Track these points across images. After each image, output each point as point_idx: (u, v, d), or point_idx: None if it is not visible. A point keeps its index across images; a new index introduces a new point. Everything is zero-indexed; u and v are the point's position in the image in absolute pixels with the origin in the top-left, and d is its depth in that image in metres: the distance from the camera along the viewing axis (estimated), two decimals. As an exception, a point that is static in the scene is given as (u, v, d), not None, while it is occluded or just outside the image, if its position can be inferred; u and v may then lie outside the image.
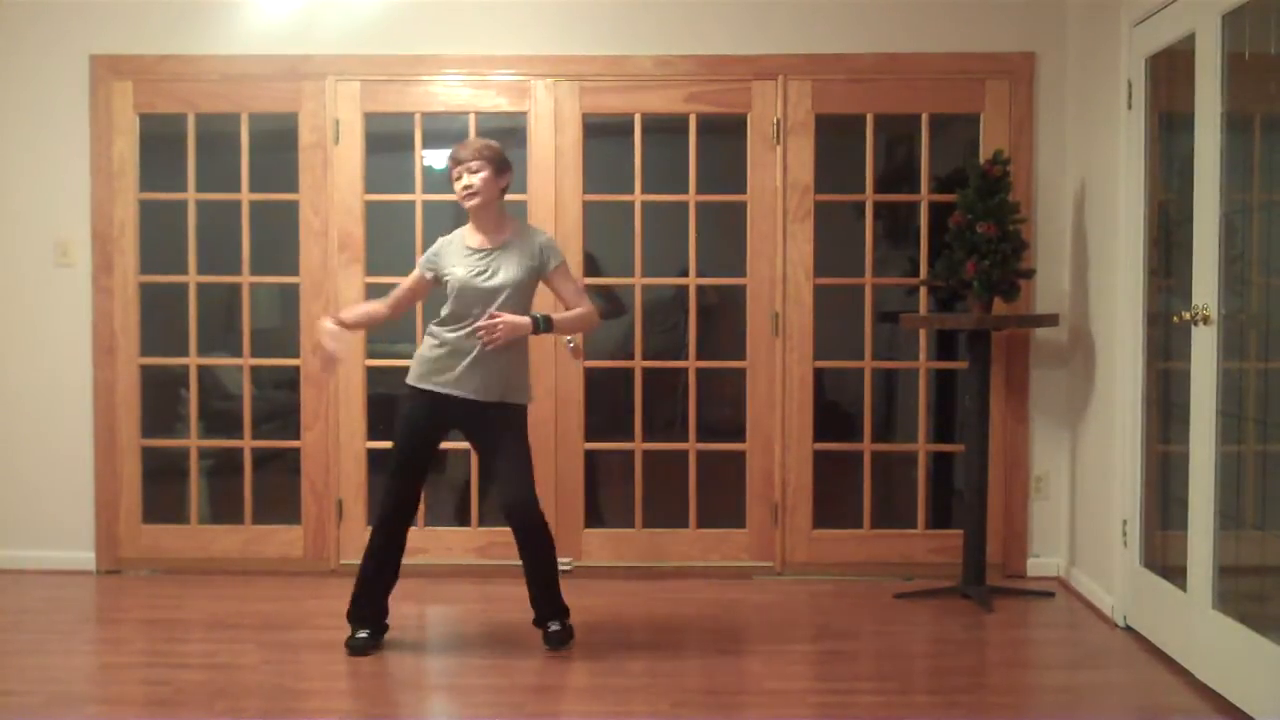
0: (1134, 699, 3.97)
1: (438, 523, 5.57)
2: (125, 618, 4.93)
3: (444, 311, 4.28)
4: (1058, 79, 5.35)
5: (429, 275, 4.34)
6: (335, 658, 4.28)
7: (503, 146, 4.34)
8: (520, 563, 4.38)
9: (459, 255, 4.29)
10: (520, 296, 4.26)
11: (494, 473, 4.32)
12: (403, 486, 4.32)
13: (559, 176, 5.43)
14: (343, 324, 4.30)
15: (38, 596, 5.11)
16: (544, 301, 4.57)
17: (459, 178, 4.24)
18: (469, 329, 4.20)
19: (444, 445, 5.61)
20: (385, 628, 4.44)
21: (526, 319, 4.20)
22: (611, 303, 5.69)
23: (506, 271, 4.23)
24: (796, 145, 5.41)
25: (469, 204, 4.27)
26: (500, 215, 4.33)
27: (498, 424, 4.26)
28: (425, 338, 4.33)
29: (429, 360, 4.26)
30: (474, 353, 4.20)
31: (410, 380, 4.31)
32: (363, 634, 4.35)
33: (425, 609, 5.00)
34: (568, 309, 4.37)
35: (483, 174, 4.23)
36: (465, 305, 4.22)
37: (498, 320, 4.16)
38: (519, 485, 4.26)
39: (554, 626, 4.37)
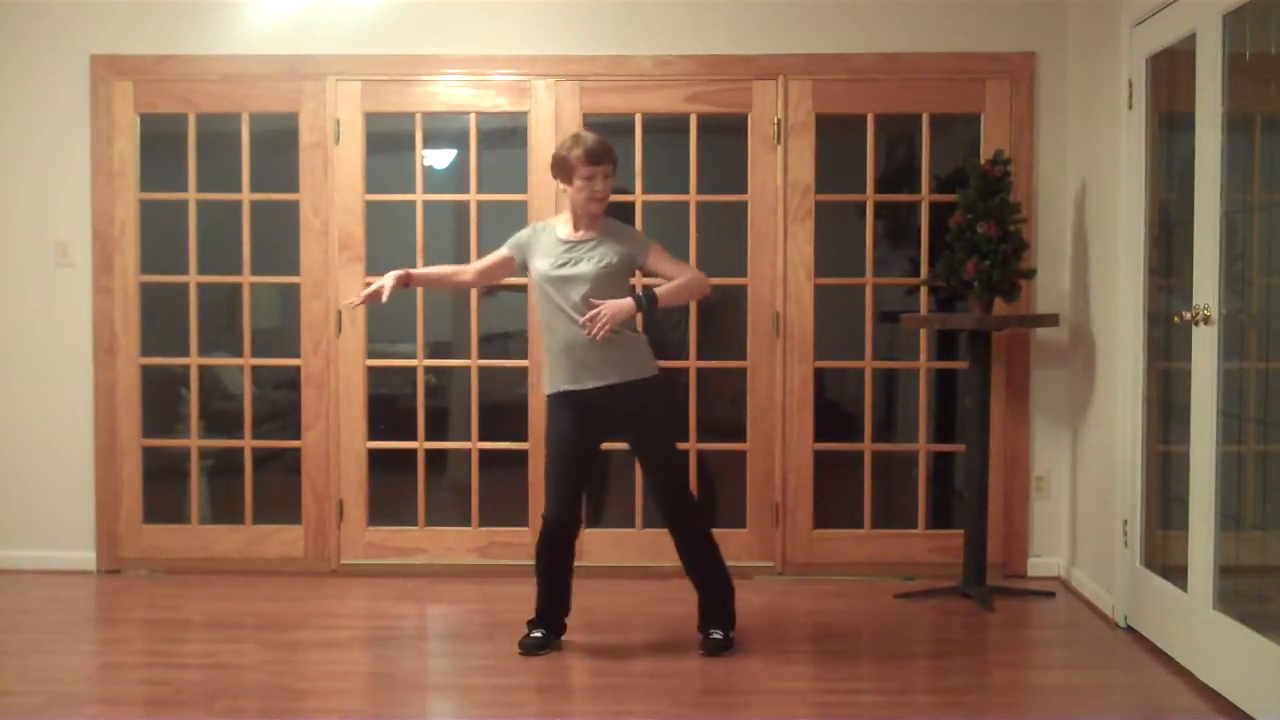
0: (1134, 699, 3.97)
1: (438, 523, 5.57)
2: (125, 618, 4.93)
3: (540, 308, 4.28)
4: (1058, 79, 5.35)
5: (516, 257, 4.36)
6: (335, 658, 4.28)
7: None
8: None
9: (548, 248, 4.27)
10: (608, 286, 4.19)
11: (642, 468, 4.31)
12: (562, 493, 4.28)
13: (559, 176, 5.42)
14: (409, 281, 4.31)
15: (38, 596, 5.11)
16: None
17: (591, 178, 4.18)
18: (573, 321, 4.15)
19: (446, 445, 5.69)
20: (563, 629, 4.43)
21: (628, 300, 4.14)
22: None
23: (590, 264, 4.19)
24: (797, 145, 5.40)
25: (596, 209, 4.23)
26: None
27: (631, 409, 4.22)
28: (546, 350, 4.31)
29: (552, 366, 4.26)
30: (575, 342, 4.16)
31: (546, 391, 4.31)
32: (536, 633, 4.36)
33: (425, 609, 4.99)
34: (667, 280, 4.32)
35: (610, 180, 4.23)
36: (560, 295, 4.19)
37: (599, 308, 4.09)
38: (669, 484, 4.24)
39: (715, 635, 4.31)
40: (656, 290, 4.24)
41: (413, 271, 4.39)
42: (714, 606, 4.35)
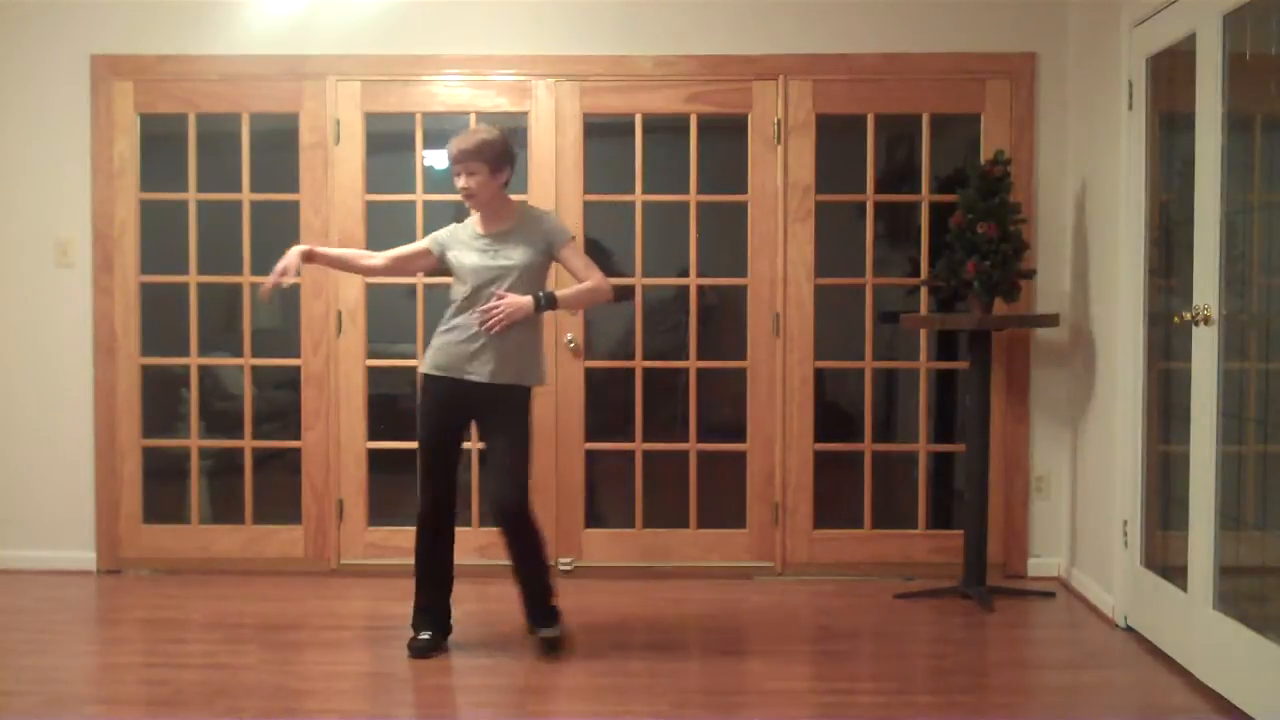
0: (1134, 699, 3.97)
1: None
2: (125, 618, 4.92)
3: (454, 298, 4.29)
4: (1058, 79, 5.35)
5: (434, 251, 4.36)
6: (335, 658, 4.28)
7: (505, 132, 4.33)
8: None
9: (468, 242, 4.31)
10: (531, 279, 4.25)
11: (489, 464, 4.30)
12: (436, 482, 4.31)
13: (560, 177, 5.43)
14: (312, 257, 4.33)
15: (38, 596, 5.11)
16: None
17: (457, 175, 4.25)
18: (478, 314, 4.21)
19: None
20: (448, 630, 4.43)
21: (528, 298, 4.18)
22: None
23: (515, 255, 4.23)
24: (797, 145, 5.40)
25: (469, 204, 4.31)
26: (503, 204, 4.33)
27: (502, 409, 4.25)
28: (439, 328, 4.33)
29: (441, 348, 4.26)
30: (484, 336, 4.20)
31: (425, 369, 4.31)
32: (425, 635, 4.35)
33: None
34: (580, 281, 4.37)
35: (478, 176, 4.22)
36: (475, 290, 4.23)
37: (499, 302, 4.16)
38: (510, 485, 4.24)
39: (549, 633, 4.35)
40: (558, 293, 4.27)
41: (317, 249, 4.40)
42: (546, 606, 4.35)
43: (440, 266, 4.39)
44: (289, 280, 4.26)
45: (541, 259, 4.29)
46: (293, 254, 4.28)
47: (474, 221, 4.37)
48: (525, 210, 4.39)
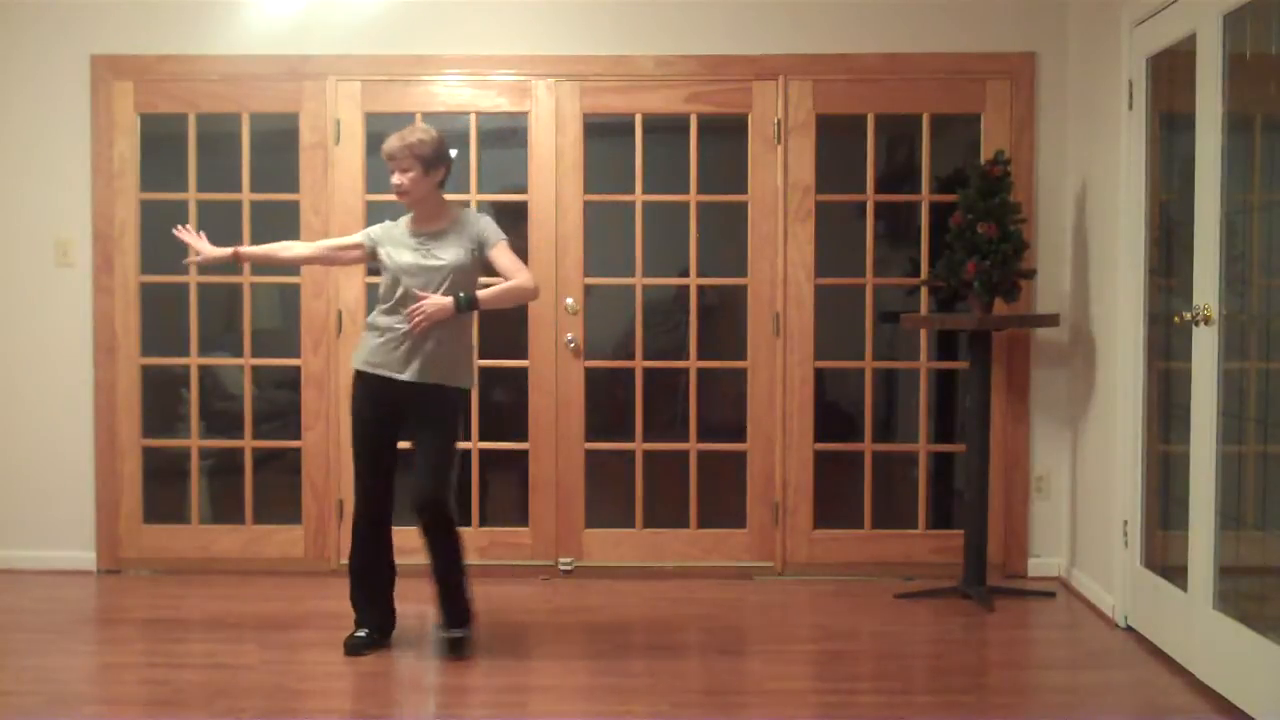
0: (1134, 699, 3.97)
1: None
2: (125, 618, 4.92)
3: (382, 296, 4.29)
4: (1059, 79, 5.35)
5: (366, 245, 4.37)
6: (335, 658, 4.28)
7: (442, 134, 4.33)
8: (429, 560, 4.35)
9: (401, 240, 4.31)
10: (461, 280, 4.23)
11: (415, 462, 4.29)
12: (371, 481, 4.32)
13: (560, 177, 5.43)
14: (238, 255, 4.42)
15: (38, 596, 5.11)
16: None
17: (391, 173, 4.25)
18: (401, 311, 4.21)
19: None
20: (389, 628, 4.44)
21: (449, 299, 4.16)
22: None
23: (445, 255, 4.22)
24: (797, 145, 5.40)
25: (402, 201, 4.31)
26: (438, 205, 4.32)
27: (430, 409, 4.24)
28: (366, 325, 4.35)
29: (372, 346, 4.27)
30: (411, 337, 4.20)
31: (356, 365, 4.32)
32: (360, 633, 4.36)
33: (425, 609, 4.98)
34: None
35: (412, 173, 4.22)
36: (405, 289, 4.22)
37: (422, 303, 4.14)
38: (433, 481, 4.23)
39: (456, 633, 4.33)
40: (479, 292, 4.24)
41: (242, 250, 4.47)
42: (459, 606, 4.35)
43: (370, 261, 4.40)
44: (200, 256, 4.42)
45: (472, 260, 4.26)
46: (215, 251, 4.40)
47: (408, 220, 4.37)
48: (460, 212, 4.37)
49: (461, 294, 4.19)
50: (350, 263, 4.55)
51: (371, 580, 4.42)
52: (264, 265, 4.71)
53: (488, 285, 4.30)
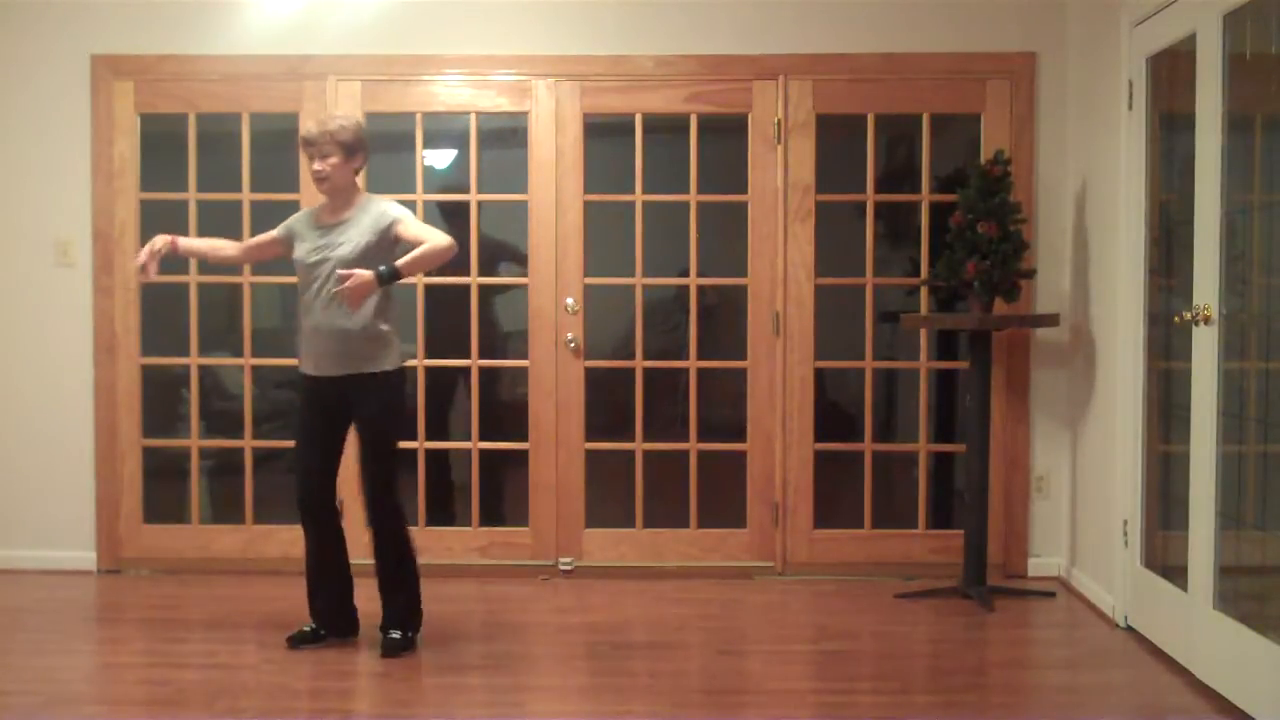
0: (1134, 699, 3.97)
1: (438, 523, 5.57)
2: (125, 618, 4.93)
3: (299, 291, 4.30)
4: (1058, 79, 5.35)
5: (283, 238, 4.37)
6: (335, 657, 4.28)
7: (361, 122, 4.32)
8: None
9: (308, 231, 4.30)
10: (371, 263, 4.16)
11: (359, 459, 4.27)
12: (304, 467, 4.29)
13: (560, 176, 5.43)
14: (175, 248, 4.37)
15: (38, 596, 5.11)
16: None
17: (312, 159, 4.23)
18: (324, 307, 4.19)
19: (444, 445, 5.68)
20: (346, 629, 4.43)
21: (369, 272, 4.08)
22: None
23: (350, 243, 4.19)
24: (798, 145, 5.40)
25: (320, 188, 4.29)
26: (352, 194, 4.30)
27: (357, 401, 4.22)
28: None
29: (301, 345, 4.29)
30: (319, 327, 4.19)
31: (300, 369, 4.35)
32: (306, 628, 4.39)
33: (425, 609, 4.98)
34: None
35: (333, 159, 4.20)
36: (311, 280, 4.22)
37: (345, 283, 4.06)
38: (368, 476, 4.22)
39: (393, 634, 4.29)
40: (398, 262, 4.17)
41: (180, 240, 4.41)
42: (398, 607, 4.32)
43: (289, 253, 4.37)
44: (151, 276, 4.32)
45: (373, 248, 4.20)
46: (158, 241, 4.32)
47: (317, 210, 4.36)
48: (365, 201, 4.33)
49: (382, 266, 4.11)
50: (274, 258, 4.50)
51: (323, 580, 4.38)
52: (201, 260, 4.67)
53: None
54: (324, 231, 4.27)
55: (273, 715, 3.74)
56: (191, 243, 4.54)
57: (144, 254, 4.32)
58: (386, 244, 4.24)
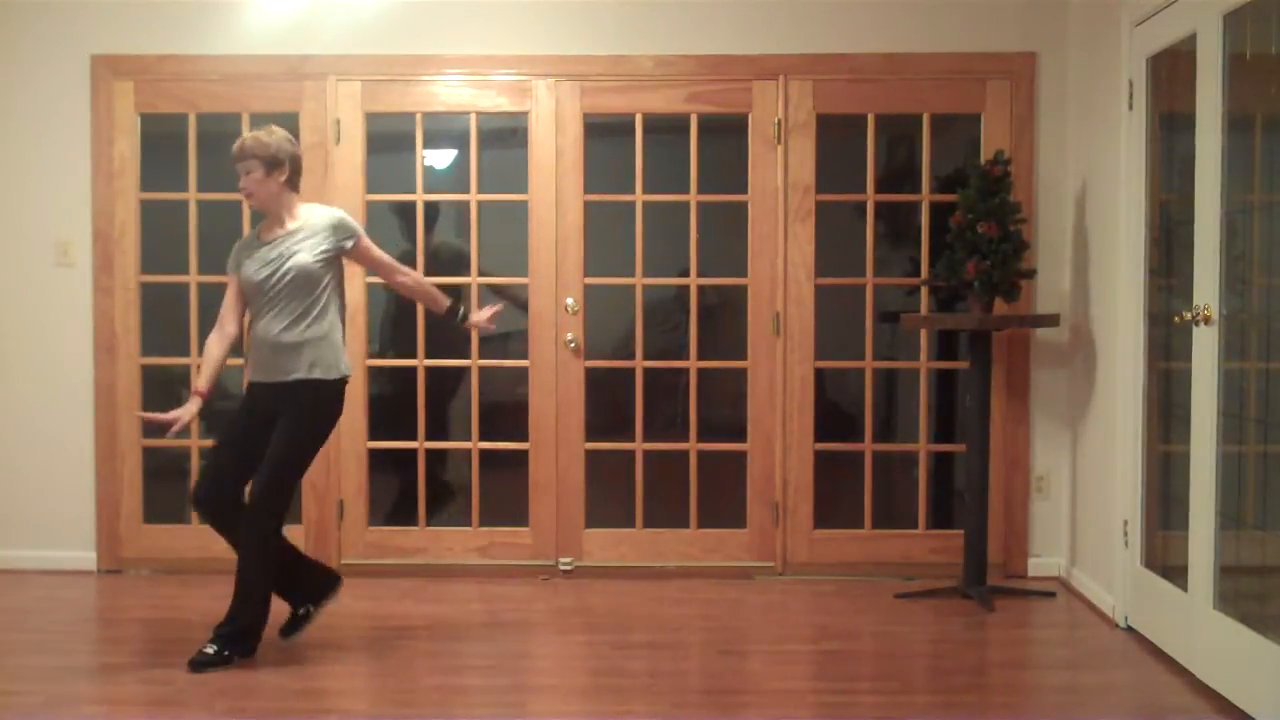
0: (1135, 699, 3.97)
1: (438, 523, 5.57)
2: (125, 618, 4.93)
3: (249, 301, 4.26)
4: (1059, 79, 5.35)
5: (236, 277, 4.28)
6: (335, 657, 4.28)
7: (286, 135, 4.24)
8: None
9: (252, 249, 4.24)
10: (306, 283, 4.15)
11: (265, 457, 4.20)
12: (212, 479, 4.23)
13: (560, 176, 5.43)
14: (205, 395, 4.22)
15: (38, 596, 5.11)
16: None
17: (238, 175, 4.21)
18: (274, 318, 4.15)
19: (443, 445, 5.68)
20: (327, 587, 4.44)
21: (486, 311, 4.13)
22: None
23: (294, 257, 4.15)
24: (798, 145, 5.40)
25: (250, 203, 4.27)
26: (286, 207, 4.24)
27: (293, 404, 4.18)
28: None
29: (250, 355, 4.29)
30: (274, 341, 4.16)
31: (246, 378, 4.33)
32: (300, 611, 4.41)
33: (425, 609, 4.99)
34: (392, 281, 4.43)
35: (254, 174, 4.17)
36: (258, 296, 4.18)
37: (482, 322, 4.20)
38: (260, 480, 4.15)
39: (209, 647, 4.14)
40: (462, 311, 4.34)
41: (200, 388, 4.23)
42: (228, 617, 4.20)
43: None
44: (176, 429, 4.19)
45: (322, 260, 4.17)
46: (192, 409, 4.19)
47: (258, 229, 4.32)
48: (309, 211, 4.27)
49: (459, 305, 4.25)
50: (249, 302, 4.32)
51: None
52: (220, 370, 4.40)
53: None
54: (271, 245, 4.20)
55: (273, 715, 3.74)
56: (209, 374, 4.27)
57: (179, 422, 4.17)
58: (330, 262, 4.21)
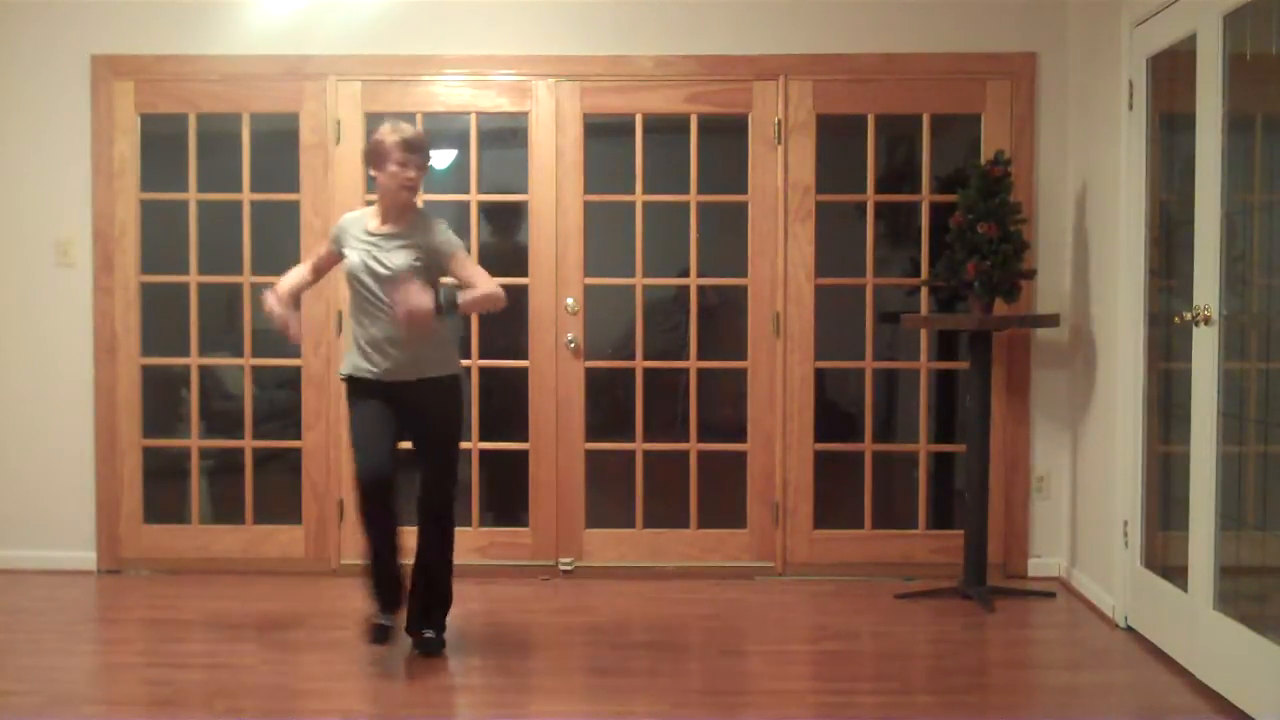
0: (1135, 699, 3.97)
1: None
2: (125, 618, 4.93)
3: (350, 300, 4.27)
4: (1059, 79, 5.35)
5: (333, 248, 4.33)
6: (335, 657, 4.28)
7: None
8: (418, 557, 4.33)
9: (358, 238, 4.23)
10: (420, 279, 4.13)
11: (419, 465, 4.25)
12: (375, 452, 4.17)
13: (560, 177, 5.43)
14: (282, 295, 4.31)
15: (38, 596, 5.11)
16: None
17: (404, 164, 4.14)
18: (380, 315, 4.14)
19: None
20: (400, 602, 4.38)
21: (428, 303, 4.01)
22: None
23: (404, 257, 4.15)
24: (798, 145, 5.40)
25: (406, 197, 4.20)
26: (413, 205, 4.29)
27: (429, 405, 4.20)
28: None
29: (356, 352, 4.23)
30: (391, 338, 4.13)
31: (343, 373, 4.29)
32: (385, 620, 4.27)
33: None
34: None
35: (424, 171, 4.21)
36: (362, 288, 4.18)
37: (402, 302, 4.00)
38: (435, 475, 4.21)
39: (428, 633, 4.30)
40: (456, 300, 4.15)
41: (281, 288, 4.34)
42: (434, 609, 4.32)
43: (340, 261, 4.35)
44: (295, 328, 4.28)
45: (425, 266, 4.18)
46: (274, 304, 4.26)
47: (369, 214, 4.30)
48: (421, 215, 4.28)
49: (444, 298, 4.10)
50: (332, 266, 4.45)
51: (388, 555, 4.23)
52: (297, 293, 4.46)
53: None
54: (376, 240, 4.20)
55: (273, 715, 3.74)
56: (290, 286, 4.39)
57: (280, 311, 4.26)
58: (429, 270, 4.20)
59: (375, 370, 4.19)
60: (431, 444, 4.25)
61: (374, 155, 4.20)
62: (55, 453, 5.50)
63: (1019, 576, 5.41)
